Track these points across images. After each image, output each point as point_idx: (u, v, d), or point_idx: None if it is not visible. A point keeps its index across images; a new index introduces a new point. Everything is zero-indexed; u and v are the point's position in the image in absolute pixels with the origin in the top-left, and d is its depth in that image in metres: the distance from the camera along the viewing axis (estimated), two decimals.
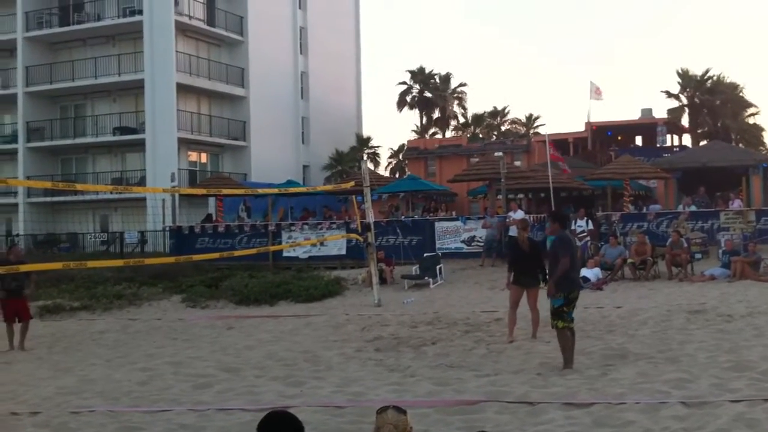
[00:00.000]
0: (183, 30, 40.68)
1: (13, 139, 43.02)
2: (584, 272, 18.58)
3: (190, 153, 42.05)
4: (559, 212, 11.97)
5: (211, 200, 34.72)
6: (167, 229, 30.00)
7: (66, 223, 40.77)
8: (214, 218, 31.60)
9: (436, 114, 65.31)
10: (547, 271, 11.36)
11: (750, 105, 55.48)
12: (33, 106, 42.74)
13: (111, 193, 38.18)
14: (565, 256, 10.11)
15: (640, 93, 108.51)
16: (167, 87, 39.29)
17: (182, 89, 40.11)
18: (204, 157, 43.37)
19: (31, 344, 13.95)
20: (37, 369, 12.05)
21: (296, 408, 7.98)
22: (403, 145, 57.80)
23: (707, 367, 9.63)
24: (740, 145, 49.51)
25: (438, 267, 21.73)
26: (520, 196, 34.93)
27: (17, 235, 37.85)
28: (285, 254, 26.34)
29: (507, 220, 23.76)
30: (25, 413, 8.94)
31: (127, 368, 11.65)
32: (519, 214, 24.05)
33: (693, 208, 25.81)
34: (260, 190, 25.86)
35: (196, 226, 29.62)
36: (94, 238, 38.69)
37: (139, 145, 40.27)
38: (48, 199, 41.78)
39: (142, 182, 39.23)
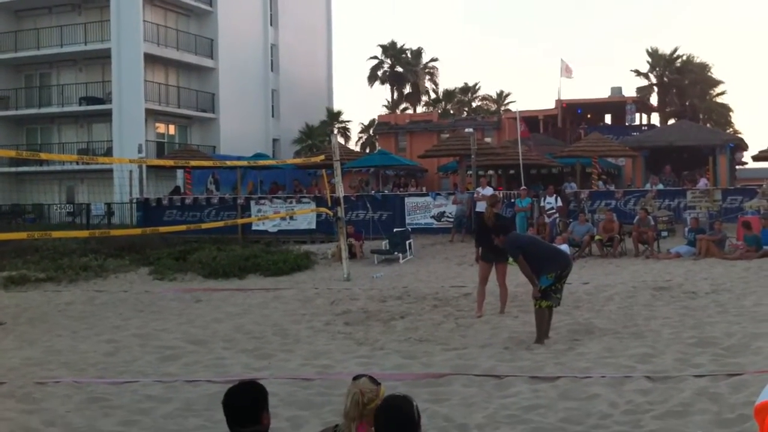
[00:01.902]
0: None
1: None
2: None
3: (157, 125, 41.61)
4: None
5: (179, 173, 34.46)
6: (134, 201, 29.71)
7: (31, 194, 40.25)
8: (182, 191, 31.35)
9: (407, 89, 65.19)
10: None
11: (718, 83, 56.06)
12: None
13: (78, 163, 37.68)
14: (518, 257, 10.28)
15: (610, 72, 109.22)
16: (134, 57, 38.75)
17: (150, 59, 39.61)
18: (172, 129, 42.94)
19: None
20: (1, 340, 11.89)
21: (264, 380, 7.91)
22: (374, 120, 57.71)
23: (671, 343, 9.76)
24: (708, 124, 50.07)
25: (408, 242, 21.78)
26: (490, 172, 35.10)
27: None
28: (254, 228, 26.24)
29: (475, 195, 23.86)
30: None
31: (93, 340, 11.55)
32: (488, 191, 24.16)
33: (660, 186, 26.09)
34: (228, 162, 25.66)
35: (164, 198, 29.37)
36: (60, 210, 38.24)
37: (106, 116, 39.77)
38: (13, 169, 41.17)
39: (108, 153, 38.79)
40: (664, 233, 21.28)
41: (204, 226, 20.56)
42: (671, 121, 48.19)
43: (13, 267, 19.88)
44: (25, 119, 42.70)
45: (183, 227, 19.96)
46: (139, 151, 31.46)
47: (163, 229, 19.04)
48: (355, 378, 4.26)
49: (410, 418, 3.69)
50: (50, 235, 16.29)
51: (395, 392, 3.89)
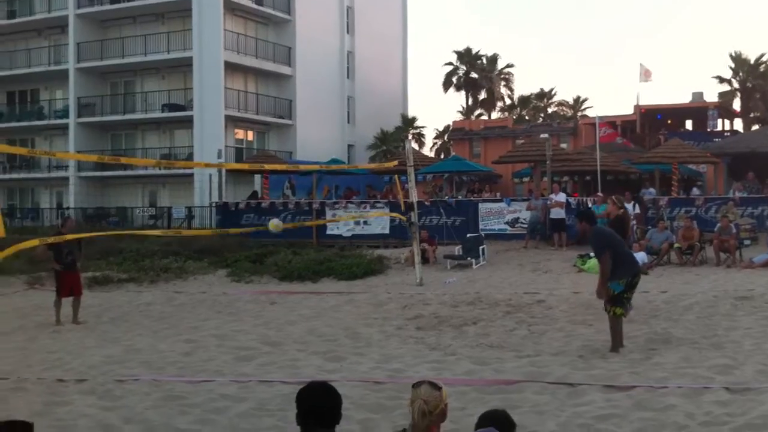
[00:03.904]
0: (231, 8, 40.90)
1: (65, 114, 43.77)
2: None
3: (236, 131, 42.40)
4: (583, 210, 11.56)
5: (257, 178, 35.01)
6: (214, 205, 30.36)
7: (115, 198, 41.54)
8: (259, 195, 31.88)
9: (482, 95, 64.77)
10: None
11: None
12: (84, 82, 43.41)
13: (160, 168, 38.69)
14: (603, 254, 9.92)
15: (690, 76, 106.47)
16: (215, 65, 39.60)
17: (230, 67, 40.40)
18: (250, 135, 43.69)
19: (83, 317, 14.17)
20: (84, 338, 12.31)
21: (336, 382, 7.99)
22: (449, 126, 57.55)
23: (753, 354, 9.48)
24: None
25: (481, 248, 21.65)
26: (566, 178, 34.65)
27: (67, 209, 38.65)
28: (328, 232, 26.49)
29: (548, 202, 23.60)
30: (72, 380, 9.17)
31: (172, 339, 11.86)
32: (561, 197, 23.91)
33: (743, 193, 25.33)
34: (303, 167, 25.96)
35: (242, 202, 29.91)
36: (143, 213, 39.33)
37: (187, 122, 40.71)
38: (98, 173, 42.53)
39: (189, 158, 39.61)
40: (747, 242, 20.63)
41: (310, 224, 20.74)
42: (755, 127, 46.67)
43: (97, 268, 20.56)
44: (109, 125, 44.06)
45: (253, 228, 20.28)
46: (219, 157, 32.11)
47: (233, 230, 19.35)
48: (415, 385, 4.26)
49: (512, 422, 4.36)
50: (180, 233, 16.65)
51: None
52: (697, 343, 10.33)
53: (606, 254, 9.92)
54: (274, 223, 12.56)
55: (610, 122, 37.37)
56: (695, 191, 29.43)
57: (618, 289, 9.92)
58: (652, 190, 28.02)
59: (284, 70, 43.22)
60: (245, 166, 26.81)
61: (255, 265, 21.11)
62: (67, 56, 43.41)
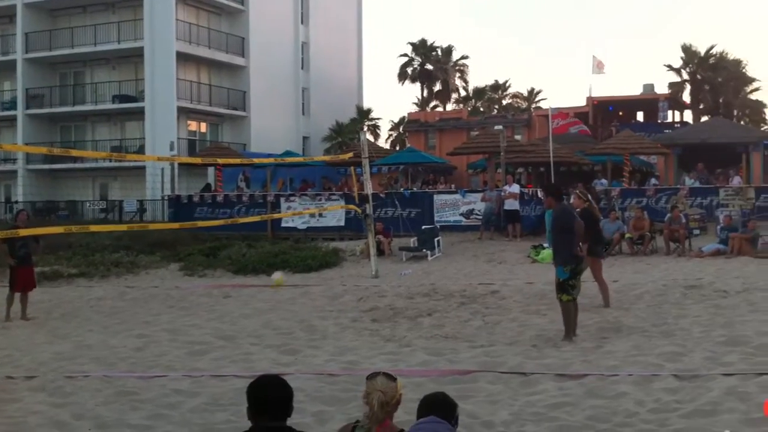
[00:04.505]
0: None
1: (12, 105, 42.87)
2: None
3: (189, 122, 41.93)
4: (552, 184, 11.83)
5: (210, 170, 34.69)
6: (166, 198, 29.99)
7: (65, 191, 40.80)
8: (213, 188, 31.58)
9: (437, 87, 65.00)
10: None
11: (752, 80, 55.29)
12: (32, 73, 42.54)
13: (111, 161, 38.10)
14: (575, 224, 10.14)
15: (642, 68, 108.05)
16: (167, 55, 39.09)
17: (182, 58, 39.92)
18: (204, 127, 43.25)
19: (32, 313, 13.91)
20: (33, 334, 12.09)
21: (290, 375, 8.02)
22: (404, 117, 57.65)
23: (701, 341, 9.65)
24: (742, 122, 49.37)
25: (436, 240, 21.73)
26: (520, 170, 34.90)
27: (16, 202, 37.87)
28: (283, 225, 26.35)
29: (502, 193, 23.76)
30: (21, 377, 9.00)
31: (124, 335, 11.70)
32: (514, 188, 24.07)
33: (696, 183, 25.79)
34: (257, 160, 25.77)
35: (195, 195, 29.60)
36: (93, 206, 38.71)
37: (139, 114, 40.15)
38: (47, 166, 41.74)
39: (141, 151, 39.09)
40: (696, 231, 21.01)
41: (240, 221, 20.68)
42: (704, 119, 47.54)
43: (46, 263, 20.17)
44: (59, 117, 43.24)
45: (219, 222, 20.09)
46: (171, 149, 31.77)
47: (200, 223, 19.14)
48: (370, 377, 4.26)
49: (451, 404, 4.34)
50: (88, 229, 16.46)
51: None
52: (647, 331, 10.49)
53: (580, 223, 10.17)
54: (277, 278, 12.44)
55: (565, 113, 37.77)
56: (653, 181, 29.86)
57: (563, 276, 10.07)
58: (603, 181, 28.36)
59: (238, 60, 42.84)
60: (198, 160, 26.54)
61: (208, 259, 20.93)
62: (15, 46, 42.51)
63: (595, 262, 12.23)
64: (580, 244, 10.17)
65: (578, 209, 12.12)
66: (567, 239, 10.12)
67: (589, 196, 13.21)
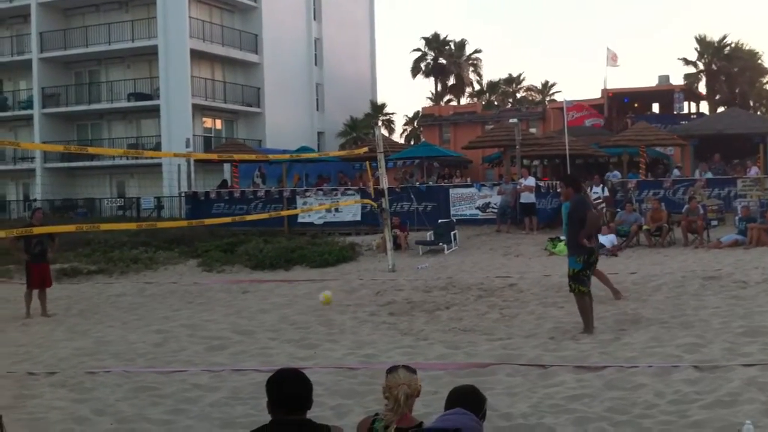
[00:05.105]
0: None
1: (29, 105, 43.16)
2: (600, 239, 18.50)
3: (204, 119, 42.08)
4: (571, 176, 11.73)
5: (227, 166, 34.82)
6: (183, 194, 30.12)
7: (83, 189, 41.06)
8: (229, 184, 31.70)
9: (451, 81, 64.78)
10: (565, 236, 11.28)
11: None
12: (48, 72, 42.80)
13: (127, 158, 38.30)
14: (588, 214, 10.00)
15: (657, 60, 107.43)
16: (181, 53, 39.22)
17: (196, 55, 40.04)
18: (219, 124, 43.39)
19: (51, 310, 14.03)
20: (53, 331, 12.18)
21: (309, 369, 8.03)
22: (418, 112, 57.57)
23: (720, 333, 9.61)
24: (758, 112, 48.97)
25: (452, 233, 21.73)
26: (535, 163, 34.82)
27: (34, 200, 38.16)
28: (300, 220, 26.41)
29: (517, 186, 23.70)
30: (42, 373, 9.07)
31: (143, 330, 11.77)
32: (530, 181, 24.00)
33: (709, 175, 25.64)
34: (273, 156, 25.84)
35: (212, 191, 29.72)
36: (111, 204, 38.96)
37: (154, 111, 40.33)
38: (65, 164, 42.02)
39: (157, 148, 39.25)
40: (714, 222, 20.92)
41: (249, 218, 20.76)
42: (720, 109, 47.19)
43: (65, 260, 20.32)
44: (75, 116, 43.49)
45: (229, 219, 20.17)
46: (187, 146, 31.81)
47: (208, 221, 19.27)
48: (390, 370, 4.28)
49: (480, 397, 4.40)
50: (99, 228, 16.57)
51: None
52: (666, 322, 10.45)
53: (585, 217, 9.98)
54: (327, 294, 12.45)
55: (580, 105, 37.58)
56: (676, 173, 29.67)
57: (577, 267, 10.01)
58: (616, 172, 28.27)
59: (251, 57, 42.92)
60: (215, 157, 26.63)
61: (226, 255, 21.00)
62: (30, 46, 42.78)
63: None
64: (589, 235, 10.09)
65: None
66: (579, 230, 10.07)
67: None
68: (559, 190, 23.90)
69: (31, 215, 15.09)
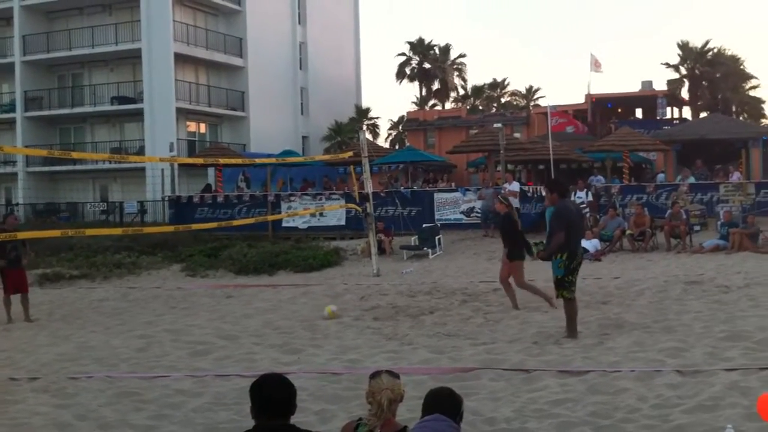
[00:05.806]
0: None
1: (11, 108, 42.85)
2: (583, 243, 18.57)
3: (188, 123, 41.93)
4: (555, 181, 11.68)
5: (210, 170, 34.71)
6: (166, 199, 29.99)
7: (66, 193, 40.77)
8: (213, 188, 31.60)
9: (436, 85, 64.97)
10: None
11: (751, 77, 55.23)
12: (30, 76, 42.53)
13: (110, 162, 38.09)
14: (561, 228, 9.79)
15: (640, 65, 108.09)
16: (165, 57, 39.07)
17: (180, 59, 39.90)
18: (203, 128, 43.25)
19: (34, 315, 13.92)
20: (36, 336, 12.10)
21: (293, 374, 8.00)
22: (403, 116, 57.65)
23: (702, 337, 9.66)
24: (740, 117, 49.35)
25: (437, 238, 21.76)
26: (520, 167, 34.94)
27: (16, 205, 37.87)
28: (284, 224, 26.37)
29: (502, 191, 23.73)
30: (24, 378, 9.01)
31: (126, 335, 11.71)
32: (514, 186, 24.06)
33: (692, 179, 25.81)
34: (258, 160, 25.80)
35: (195, 196, 29.61)
36: (94, 208, 38.68)
37: (138, 115, 40.14)
38: (47, 168, 41.73)
39: (141, 152, 39.11)
40: (697, 227, 21.06)
41: (235, 223, 20.73)
42: (703, 115, 47.51)
43: (47, 264, 20.19)
44: (58, 119, 43.23)
45: (214, 224, 20.12)
46: (171, 150, 31.77)
47: (195, 226, 19.26)
48: (373, 376, 4.29)
49: (457, 399, 4.36)
50: (84, 233, 16.48)
51: (423, 387, 4.01)
52: (649, 327, 10.50)
53: (563, 230, 9.77)
54: (330, 309, 12.47)
55: (563, 111, 37.77)
56: (661, 177, 29.86)
57: (560, 274, 9.97)
58: (600, 177, 28.41)
59: (236, 61, 42.82)
60: (200, 161, 26.54)
61: (210, 259, 20.95)
62: (13, 49, 42.49)
63: (515, 266, 12.35)
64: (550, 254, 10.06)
65: (502, 212, 12.40)
66: (566, 238, 9.99)
67: (510, 201, 13.41)
68: (543, 194, 24.07)
69: (4, 220, 15.01)
